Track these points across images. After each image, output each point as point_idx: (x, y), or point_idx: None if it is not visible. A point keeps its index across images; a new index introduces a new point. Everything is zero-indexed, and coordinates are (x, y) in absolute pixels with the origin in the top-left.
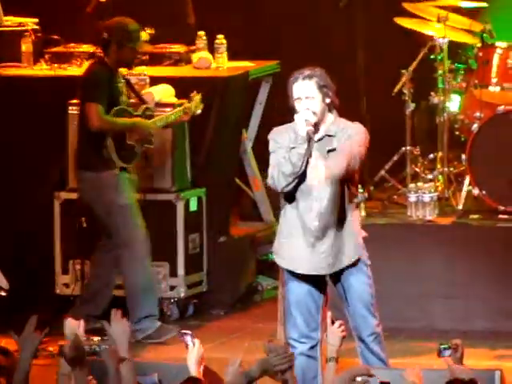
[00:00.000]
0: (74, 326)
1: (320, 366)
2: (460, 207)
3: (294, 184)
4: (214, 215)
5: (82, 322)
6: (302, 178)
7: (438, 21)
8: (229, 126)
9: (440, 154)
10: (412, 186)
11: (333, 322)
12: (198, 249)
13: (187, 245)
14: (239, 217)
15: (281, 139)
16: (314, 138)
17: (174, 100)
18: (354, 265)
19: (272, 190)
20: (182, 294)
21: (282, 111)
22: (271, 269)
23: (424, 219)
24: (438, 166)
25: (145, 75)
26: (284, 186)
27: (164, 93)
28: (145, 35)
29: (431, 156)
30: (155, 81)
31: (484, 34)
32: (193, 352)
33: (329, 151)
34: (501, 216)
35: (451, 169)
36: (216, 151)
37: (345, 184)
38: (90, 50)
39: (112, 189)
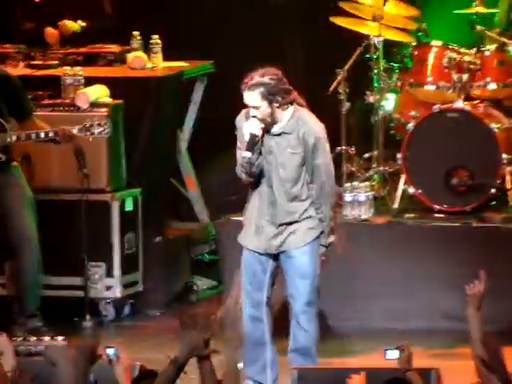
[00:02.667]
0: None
1: (267, 328)
2: (396, 206)
3: (253, 178)
4: (150, 215)
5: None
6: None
7: (374, 19)
8: (164, 126)
9: (375, 153)
10: (347, 185)
11: None
12: (133, 249)
13: (123, 245)
14: (174, 217)
15: (239, 131)
16: (248, 153)
17: (109, 100)
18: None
19: (206, 190)
20: (119, 294)
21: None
22: (206, 269)
23: (359, 218)
24: (374, 165)
25: (80, 75)
26: (245, 180)
27: (99, 93)
28: (77, 26)
29: (367, 155)
30: (90, 81)
31: (419, 33)
32: (117, 366)
33: (292, 153)
34: (436, 215)
35: (387, 168)
36: (151, 151)
37: (299, 184)
38: (25, 51)
39: None
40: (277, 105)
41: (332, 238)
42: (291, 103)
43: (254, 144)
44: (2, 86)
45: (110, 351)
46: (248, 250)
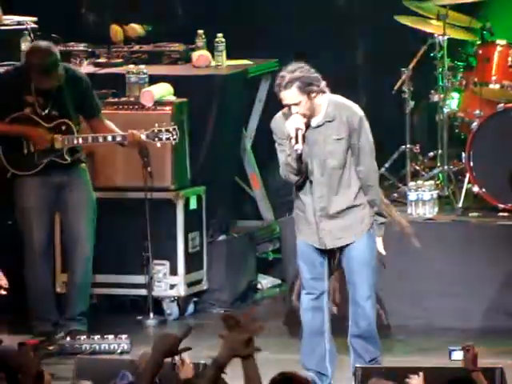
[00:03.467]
0: None
1: (326, 318)
2: (460, 205)
3: (303, 178)
4: (214, 214)
5: None
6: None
7: (438, 18)
8: (228, 124)
9: (440, 151)
10: (412, 184)
11: None
12: (197, 247)
13: (187, 243)
14: (239, 215)
15: (280, 132)
16: (299, 145)
17: (174, 98)
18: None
19: (271, 189)
20: (183, 293)
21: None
22: (271, 267)
23: (424, 217)
24: (438, 163)
25: (144, 74)
26: (295, 182)
27: (164, 91)
28: (142, 31)
29: (431, 154)
30: (155, 79)
31: (484, 32)
32: (181, 371)
33: (337, 139)
34: (501, 214)
35: (451, 167)
36: (216, 149)
37: (347, 170)
38: (88, 49)
39: (14, 192)
40: (314, 95)
41: (383, 220)
42: (323, 91)
43: (300, 137)
44: (72, 85)
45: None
46: (304, 242)
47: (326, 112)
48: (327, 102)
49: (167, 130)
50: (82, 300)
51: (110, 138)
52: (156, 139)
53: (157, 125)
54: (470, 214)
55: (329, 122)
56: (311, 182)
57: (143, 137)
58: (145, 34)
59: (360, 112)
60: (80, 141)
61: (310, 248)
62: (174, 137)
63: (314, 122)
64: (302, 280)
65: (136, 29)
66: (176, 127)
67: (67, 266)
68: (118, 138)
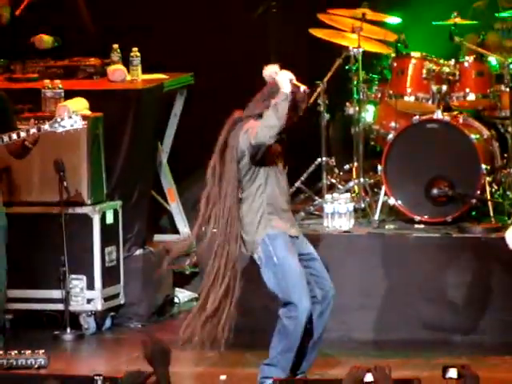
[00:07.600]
0: None
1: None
2: (376, 217)
3: (275, 137)
4: (131, 228)
5: None
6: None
7: (353, 31)
8: (144, 139)
9: (356, 164)
10: (328, 196)
11: None
12: (114, 262)
13: (104, 258)
14: (155, 229)
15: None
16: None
17: (88, 113)
18: None
19: (187, 202)
20: (100, 307)
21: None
22: (188, 281)
23: (340, 230)
24: (354, 176)
25: (60, 88)
26: (269, 138)
27: (79, 106)
28: (50, 42)
29: (347, 167)
30: (70, 94)
31: (398, 44)
32: None
33: None
34: (416, 226)
35: (367, 179)
36: (132, 164)
37: None
38: (4, 64)
39: None
40: None
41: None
42: None
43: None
44: None
45: None
46: (288, 250)
47: None
48: None
49: (70, 117)
50: None
51: (14, 136)
52: (60, 128)
53: (59, 115)
54: (386, 227)
55: None
56: (277, 174)
57: (46, 127)
58: (51, 46)
59: None
60: None
61: (296, 260)
62: (78, 123)
63: None
64: (304, 296)
65: (46, 39)
66: (78, 113)
67: None
68: (22, 134)
